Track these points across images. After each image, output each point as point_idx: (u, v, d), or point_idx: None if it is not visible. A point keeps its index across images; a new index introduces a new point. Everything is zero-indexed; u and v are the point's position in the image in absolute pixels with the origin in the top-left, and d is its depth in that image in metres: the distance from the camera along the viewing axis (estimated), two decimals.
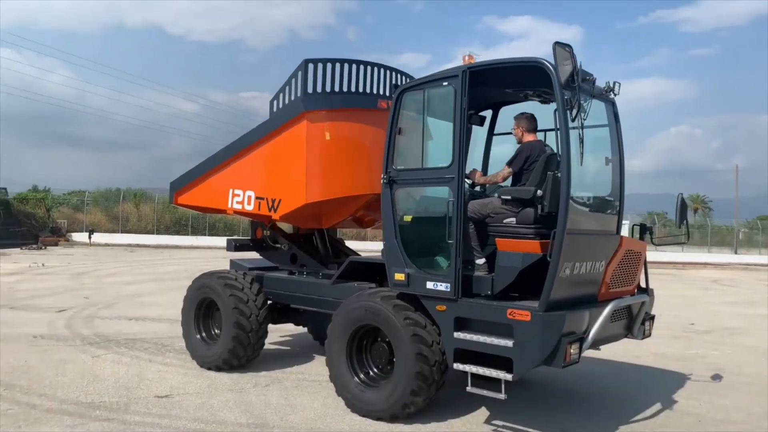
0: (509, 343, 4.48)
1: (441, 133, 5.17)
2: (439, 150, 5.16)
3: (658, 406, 5.90)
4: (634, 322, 5.33)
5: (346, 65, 6.38)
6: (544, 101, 5.39)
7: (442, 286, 4.84)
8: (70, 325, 9.41)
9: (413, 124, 5.33)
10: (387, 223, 5.24)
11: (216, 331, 7.00)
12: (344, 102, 6.36)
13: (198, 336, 7.00)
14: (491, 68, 4.82)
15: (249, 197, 6.88)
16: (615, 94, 4.87)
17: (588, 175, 4.93)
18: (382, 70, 6.67)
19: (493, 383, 4.66)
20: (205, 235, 36.94)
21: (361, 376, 5.40)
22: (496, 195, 5.14)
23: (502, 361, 4.56)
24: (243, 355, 6.64)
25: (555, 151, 4.92)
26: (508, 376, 4.50)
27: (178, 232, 36.98)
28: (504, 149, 5.89)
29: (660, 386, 6.65)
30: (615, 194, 5.24)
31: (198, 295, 7.00)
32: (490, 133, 6.35)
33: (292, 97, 6.38)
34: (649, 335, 5.60)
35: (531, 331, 4.38)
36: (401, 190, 5.23)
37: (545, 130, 5.52)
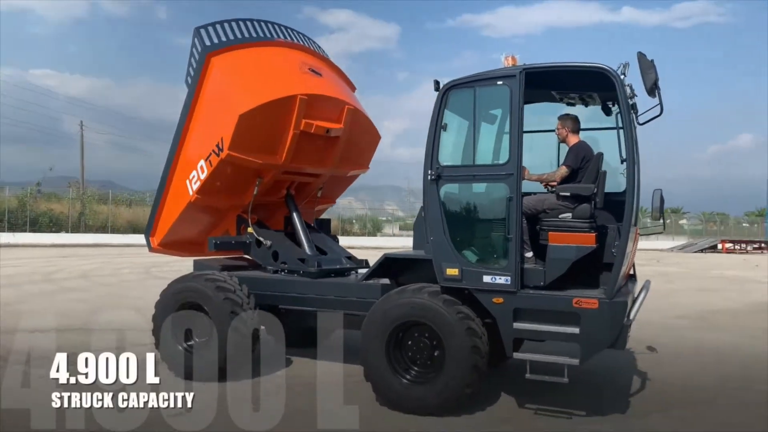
0: (575, 330, 4.79)
1: (487, 131, 5.31)
2: (486, 147, 5.30)
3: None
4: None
5: (236, 23, 6.83)
6: (570, 104, 5.76)
7: (502, 280, 5.00)
8: None
9: (458, 121, 5.40)
10: (434, 218, 5.25)
11: (197, 339, 6.41)
12: (243, 40, 6.85)
13: (180, 347, 6.34)
14: (547, 71, 5.06)
15: (201, 167, 6.63)
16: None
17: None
18: (271, 25, 7.17)
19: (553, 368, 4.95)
20: (25, 231, 32.59)
21: (406, 372, 5.36)
22: (547, 191, 5.42)
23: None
24: (240, 361, 6.18)
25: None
26: (575, 362, 4.82)
27: None
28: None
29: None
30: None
31: (177, 300, 6.36)
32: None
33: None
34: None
35: (599, 318, 4.73)
36: (448, 186, 5.27)
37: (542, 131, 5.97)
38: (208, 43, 6.67)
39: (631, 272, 6.18)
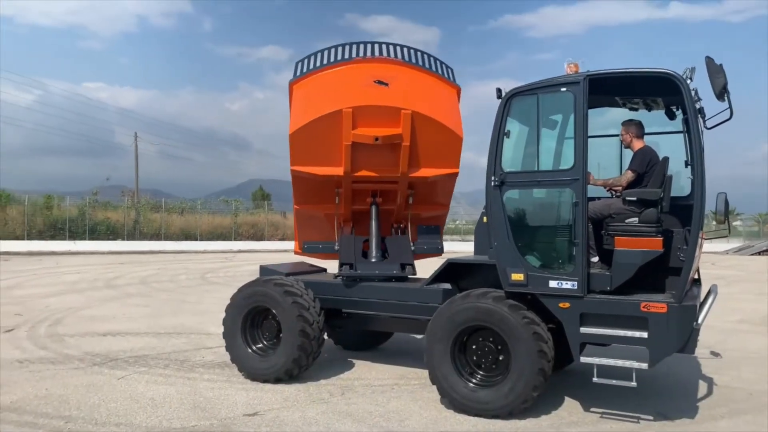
0: (644, 334, 4.81)
1: (547, 136, 5.38)
2: (547, 152, 5.37)
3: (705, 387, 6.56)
4: None
5: (327, 51, 7.45)
6: (633, 109, 5.78)
7: (569, 284, 5.06)
8: (44, 345, 8.39)
9: (519, 127, 5.48)
10: (498, 223, 5.35)
11: (266, 342, 6.67)
12: (319, 66, 7.40)
13: (249, 349, 6.60)
14: (610, 77, 5.10)
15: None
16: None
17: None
18: (357, 46, 7.51)
19: (621, 372, 4.97)
20: (84, 239, 33.92)
21: (471, 376, 5.46)
22: (614, 196, 5.46)
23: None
24: (305, 364, 6.40)
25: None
26: (644, 366, 4.83)
27: (53, 237, 33.60)
28: None
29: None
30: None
31: (247, 304, 6.61)
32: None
33: None
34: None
35: (668, 322, 4.74)
36: (512, 192, 5.36)
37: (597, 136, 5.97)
38: (298, 74, 7.41)
39: (696, 277, 6.14)
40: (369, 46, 7.60)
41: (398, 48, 7.65)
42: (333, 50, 7.53)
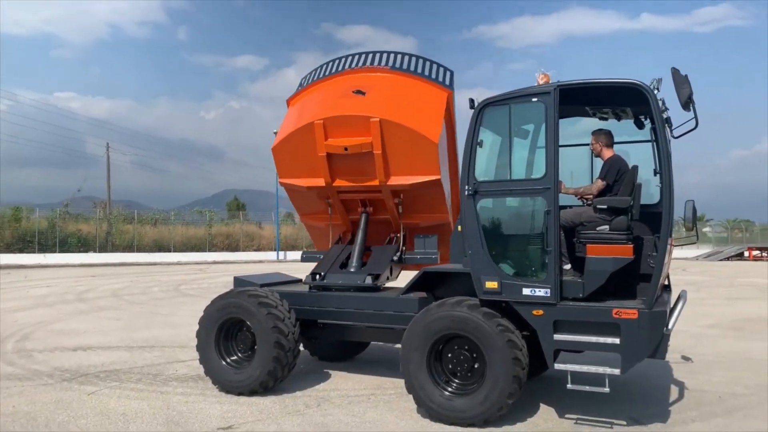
0: (616, 340, 4.87)
1: (519, 146, 5.44)
2: (520, 162, 5.43)
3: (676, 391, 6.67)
4: None
5: (326, 65, 7.71)
6: (602, 119, 5.89)
7: (541, 292, 5.11)
8: (11, 361, 8.18)
9: (491, 137, 5.54)
10: (472, 232, 5.38)
11: (240, 354, 6.60)
12: (311, 81, 7.70)
13: (223, 362, 6.52)
14: (580, 87, 5.19)
15: None
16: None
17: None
18: (352, 57, 7.71)
19: (594, 379, 5.03)
20: (55, 251, 33.24)
21: (446, 384, 5.47)
22: (585, 204, 5.54)
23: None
24: (280, 376, 6.35)
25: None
26: (616, 371, 4.89)
27: (21, 250, 32.86)
28: None
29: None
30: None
31: (221, 316, 6.54)
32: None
33: None
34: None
35: (639, 328, 4.81)
36: (485, 201, 5.41)
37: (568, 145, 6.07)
38: (296, 90, 7.71)
39: (666, 283, 6.24)
40: (364, 57, 7.69)
41: (392, 56, 7.67)
42: (331, 63, 7.75)
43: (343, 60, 7.66)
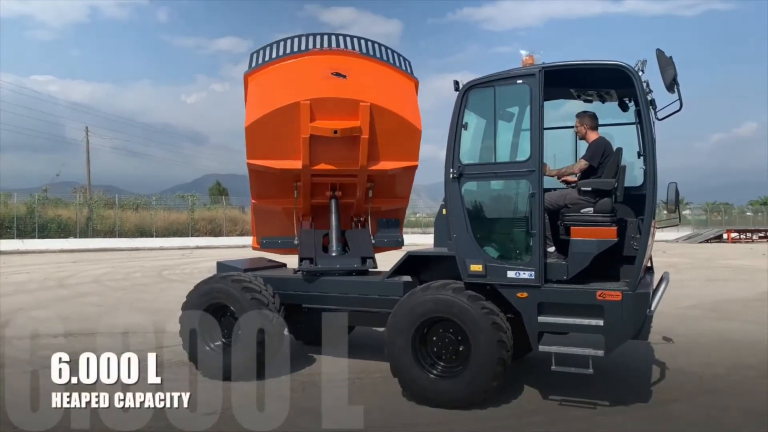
0: (600, 322, 4.90)
1: (504, 128, 5.41)
2: (504, 144, 5.41)
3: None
4: None
5: (284, 42, 7.39)
6: (587, 101, 5.87)
7: (526, 274, 5.12)
8: None
9: (476, 119, 5.50)
10: (457, 215, 5.37)
11: (224, 339, 6.56)
12: (275, 58, 7.31)
13: (207, 347, 6.47)
14: (565, 69, 5.17)
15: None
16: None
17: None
18: (313, 37, 7.50)
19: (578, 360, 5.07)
20: (34, 237, 32.76)
21: (432, 368, 5.47)
22: (569, 186, 5.54)
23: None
24: (264, 361, 6.31)
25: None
26: (600, 353, 4.93)
27: None
28: None
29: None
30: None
31: (204, 302, 6.48)
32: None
33: None
34: None
35: (622, 310, 4.84)
36: (470, 184, 5.38)
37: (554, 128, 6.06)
38: (254, 65, 7.26)
39: (649, 264, 6.29)
40: (326, 38, 7.52)
41: (355, 40, 7.59)
42: (290, 41, 7.41)
43: (305, 39, 7.43)
